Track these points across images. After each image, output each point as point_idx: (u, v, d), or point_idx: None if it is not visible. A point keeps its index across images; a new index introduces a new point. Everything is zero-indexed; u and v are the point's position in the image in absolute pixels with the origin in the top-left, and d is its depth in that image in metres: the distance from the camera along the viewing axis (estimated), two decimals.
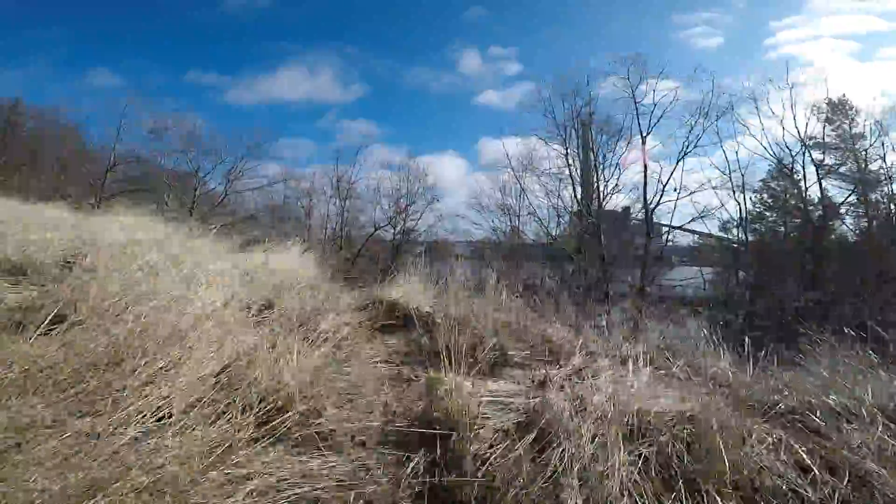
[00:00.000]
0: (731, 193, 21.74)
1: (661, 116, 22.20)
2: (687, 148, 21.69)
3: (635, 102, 22.24)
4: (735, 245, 22.27)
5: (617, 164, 23.09)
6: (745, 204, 22.03)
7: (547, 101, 24.00)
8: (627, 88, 22.37)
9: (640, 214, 23.04)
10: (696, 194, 21.71)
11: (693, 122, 21.54)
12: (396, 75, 39.45)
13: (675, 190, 21.62)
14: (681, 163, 21.68)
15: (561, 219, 28.14)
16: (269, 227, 32.27)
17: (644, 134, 22.33)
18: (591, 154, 24.77)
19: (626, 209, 24.69)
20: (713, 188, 21.56)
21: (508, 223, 28.76)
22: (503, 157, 26.84)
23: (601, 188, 23.53)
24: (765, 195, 22.33)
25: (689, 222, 22.57)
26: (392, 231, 29.88)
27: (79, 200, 17.42)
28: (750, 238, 22.76)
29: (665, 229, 24.87)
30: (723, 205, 21.86)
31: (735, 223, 22.39)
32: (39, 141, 22.12)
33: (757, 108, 21.44)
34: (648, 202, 21.88)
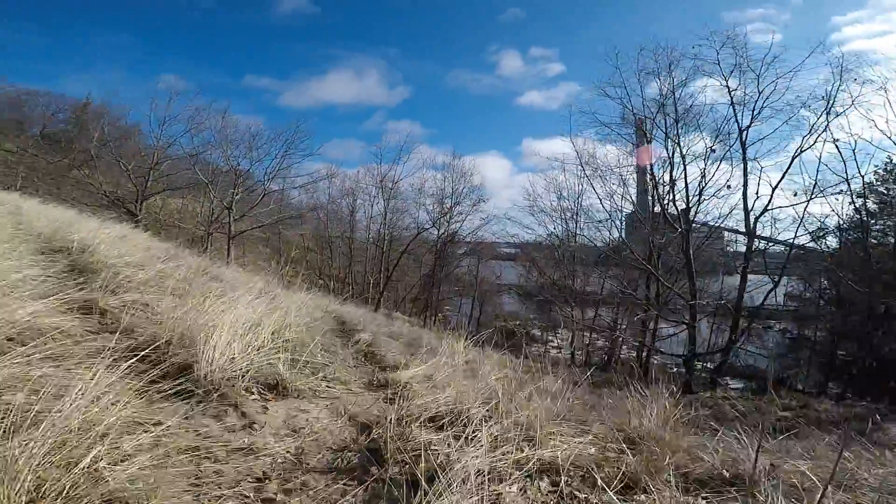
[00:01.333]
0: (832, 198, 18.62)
1: (761, 109, 18.59)
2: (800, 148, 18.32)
3: (729, 91, 18.67)
4: (829, 253, 19.40)
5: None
6: (844, 209, 18.99)
7: (621, 90, 20.52)
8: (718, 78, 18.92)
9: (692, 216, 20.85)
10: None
11: (796, 119, 18.33)
12: (438, 77, 39.49)
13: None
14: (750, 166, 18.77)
15: (617, 222, 26.48)
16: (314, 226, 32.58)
17: (743, 128, 18.87)
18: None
19: (685, 212, 22.02)
20: (820, 194, 18.21)
21: (564, 226, 27.07)
22: (551, 157, 25.25)
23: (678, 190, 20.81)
24: (869, 200, 19.02)
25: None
26: (436, 232, 28.98)
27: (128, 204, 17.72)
28: (836, 246, 20.19)
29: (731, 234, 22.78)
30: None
31: (829, 230, 19.59)
32: (103, 140, 22.87)
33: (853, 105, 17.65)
34: (749, 208, 18.69)
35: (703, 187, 19.70)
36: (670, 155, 20.06)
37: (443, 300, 32.54)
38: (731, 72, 18.65)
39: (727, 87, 18.72)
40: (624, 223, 25.49)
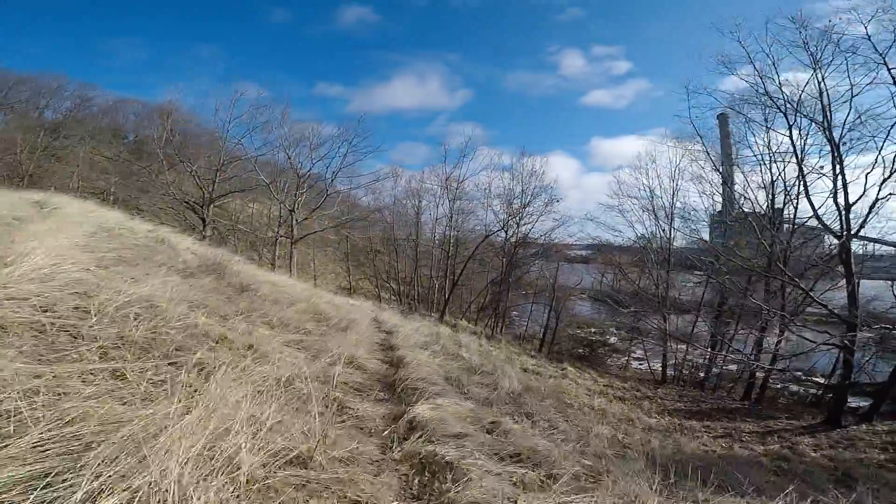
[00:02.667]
0: None
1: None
2: None
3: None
4: None
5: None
6: None
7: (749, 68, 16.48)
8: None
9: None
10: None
11: None
12: (498, 80, 37.91)
13: None
14: None
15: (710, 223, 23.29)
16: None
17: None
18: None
19: (779, 211, 19.65)
20: None
21: (657, 226, 24.09)
22: (619, 156, 22.72)
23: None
24: None
25: None
26: (504, 235, 26.97)
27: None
28: None
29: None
30: None
31: None
32: (185, 143, 23.56)
33: None
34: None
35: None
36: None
37: (510, 307, 30.40)
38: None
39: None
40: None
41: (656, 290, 23.36)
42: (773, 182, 18.39)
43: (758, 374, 17.72)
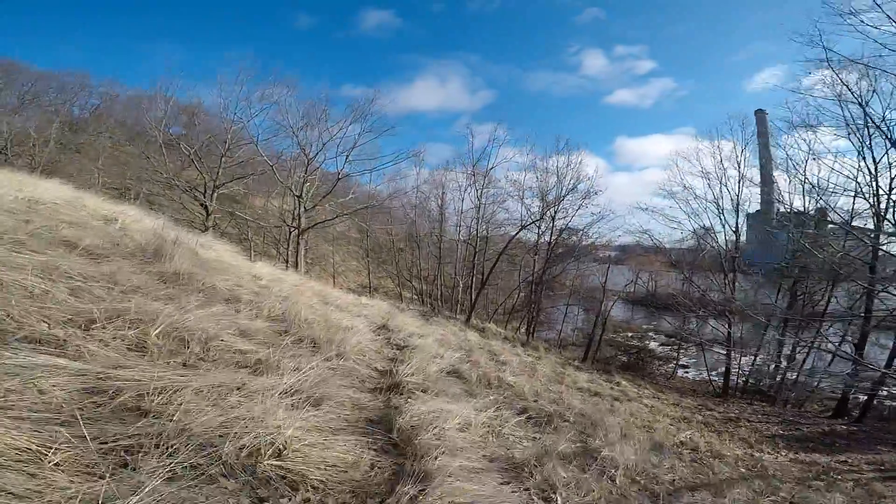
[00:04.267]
0: None
1: None
2: None
3: None
4: None
5: None
6: None
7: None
8: None
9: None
10: None
11: None
12: (519, 80, 35.69)
13: None
14: None
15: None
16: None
17: None
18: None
19: (822, 210, 17.82)
20: None
21: (702, 225, 21.39)
22: (645, 155, 20.43)
23: None
24: None
25: None
26: (537, 230, 24.19)
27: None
28: None
29: None
30: None
31: None
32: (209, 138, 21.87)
33: None
34: None
35: None
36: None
37: (543, 308, 27.67)
38: None
39: None
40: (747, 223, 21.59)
41: (717, 292, 20.38)
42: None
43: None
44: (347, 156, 17.92)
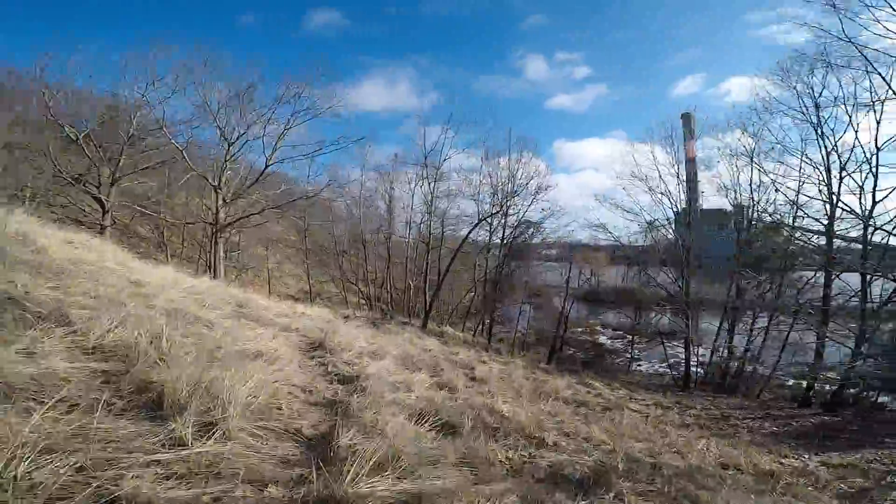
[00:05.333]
0: None
1: None
2: None
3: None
4: None
5: None
6: None
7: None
8: None
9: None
10: None
11: None
12: (467, 84, 34.77)
13: None
14: None
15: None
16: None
17: None
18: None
19: (740, 207, 19.82)
20: None
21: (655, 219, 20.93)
22: (582, 157, 20.56)
23: None
24: None
25: None
26: (489, 229, 22.67)
27: None
28: None
29: None
30: None
31: None
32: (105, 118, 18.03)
33: None
34: None
35: None
36: None
37: (499, 309, 26.32)
38: None
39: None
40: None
41: (673, 286, 19.96)
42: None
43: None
44: (279, 139, 15.11)
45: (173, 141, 13.78)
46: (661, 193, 20.57)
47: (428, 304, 19.80)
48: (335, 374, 3.86)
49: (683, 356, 21.15)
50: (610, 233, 20.80)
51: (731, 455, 5.51)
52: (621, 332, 34.57)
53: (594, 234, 22.49)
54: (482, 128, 42.40)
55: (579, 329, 35.52)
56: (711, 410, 11.92)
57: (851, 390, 14.20)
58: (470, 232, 20.98)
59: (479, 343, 17.49)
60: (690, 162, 22.41)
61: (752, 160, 17.75)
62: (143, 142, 15.62)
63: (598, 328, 35.44)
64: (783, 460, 6.27)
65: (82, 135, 14.14)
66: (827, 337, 14.15)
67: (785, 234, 17.57)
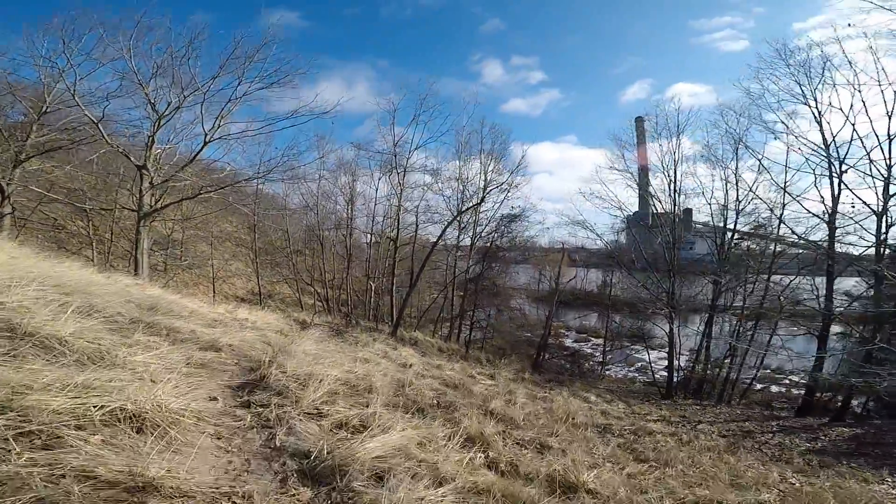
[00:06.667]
0: None
1: None
2: None
3: None
4: None
5: None
6: None
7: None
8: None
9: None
10: None
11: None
12: (426, 86, 33.84)
13: None
14: None
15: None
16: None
17: None
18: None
19: (689, 211, 21.13)
20: None
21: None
22: (536, 161, 20.63)
23: None
24: None
25: None
26: (458, 226, 20.98)
27: None
28: None
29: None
30: None
31: None
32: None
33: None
34: None
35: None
36: None
37: (467, 311, 24.68)
38: None
39: None
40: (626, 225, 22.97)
41: (656, 289, 19.11)
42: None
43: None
44: (221, 116, 12.30)
45: (86, 111, 10.82)
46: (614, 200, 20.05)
47: (398, 307, 17.78)
48: (291, 455, 1.95)
49: (653, 360, 20.86)
50: (590, 229, 19.69)
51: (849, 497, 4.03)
52: (585, 335, 34.20)
53: (572, 231, 21.37)
54: (451, 119, 40.69)
55: (541, 332, 34.76)
56: (721, 424, 10.75)
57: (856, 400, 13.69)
58: (447, 227, 19.11)
59: (455, 351, 15.71)
60: (643, 167, 22.63)
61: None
62: (50, 117, 12.59)
63: (563, 331, 34.82)
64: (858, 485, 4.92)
65: None
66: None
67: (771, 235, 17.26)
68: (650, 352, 21.04)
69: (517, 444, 3.36)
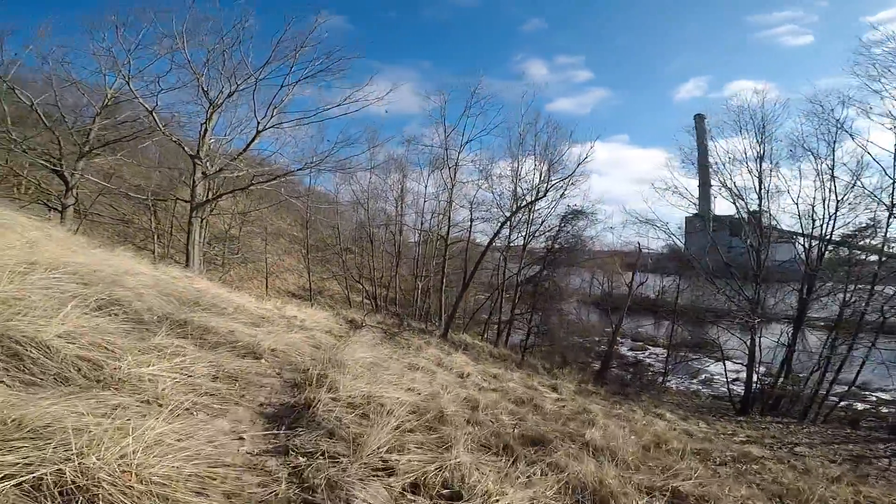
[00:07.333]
0: None
1: None
2: None
3: None
4: None
5: None
6: None
7: None
8: None
9: None
10: None
11: None
12: (469, 87, 33.20)
13: None
14: None
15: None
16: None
17: None
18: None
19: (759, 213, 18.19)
20: None
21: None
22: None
23: None
24: None
25: None
26: (509, 226, 19.55)
27: None
28: None
29: None
30: None
31: None
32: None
33: None
34: None
35: None
36: None
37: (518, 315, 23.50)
38: None
39: None
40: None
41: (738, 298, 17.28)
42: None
43: None
44: (272, 107, 12.02)
45: (140, 100, 10.84)
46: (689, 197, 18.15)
47: (449, 309, 17.01)
48: None
49: (719, 372, 18.82)
50: (662, 229, 18.15)
51: None
52: (641, 343, 32.18)
53: (642, 231, 19.65)
54: (504, 112, 39.51)
55: (596, 338, 32.98)
56: (821, 447, 9.17)
57: None
58: (504, 224, 18.01)
59: (506, 356, 14.75)
60: (703, 165, 20.93)
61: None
62: (112, 113, 12.85)
63: (618, 338, 33.01)
64: None
65: (37, 99, 11.42)
66: None
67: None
68: (724, 364, 19.11)
69: (640, 490, 2.45)
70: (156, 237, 20.93)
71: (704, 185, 21.13)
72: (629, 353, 29.38)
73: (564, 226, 19.36)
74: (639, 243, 19.82)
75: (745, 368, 17.81)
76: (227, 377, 2.46)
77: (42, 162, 12.40)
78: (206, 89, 11.15)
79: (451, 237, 20.24)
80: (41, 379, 1.64)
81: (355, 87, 12.05)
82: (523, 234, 20.56)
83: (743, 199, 17.12)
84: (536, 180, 19.00)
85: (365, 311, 16.38)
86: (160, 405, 1.83)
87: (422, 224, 23.19)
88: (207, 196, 11.68)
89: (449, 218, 19.42)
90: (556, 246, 19.59)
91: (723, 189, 17.64)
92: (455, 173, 18.79)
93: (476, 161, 19.67)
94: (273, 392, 2.54)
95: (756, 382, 17.22)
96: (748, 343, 16.52)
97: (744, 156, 16.92)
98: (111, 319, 2.54)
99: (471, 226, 19.65)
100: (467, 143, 18.97)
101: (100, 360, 1.93)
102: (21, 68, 12.94)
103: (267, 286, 24.18)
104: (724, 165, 17.28)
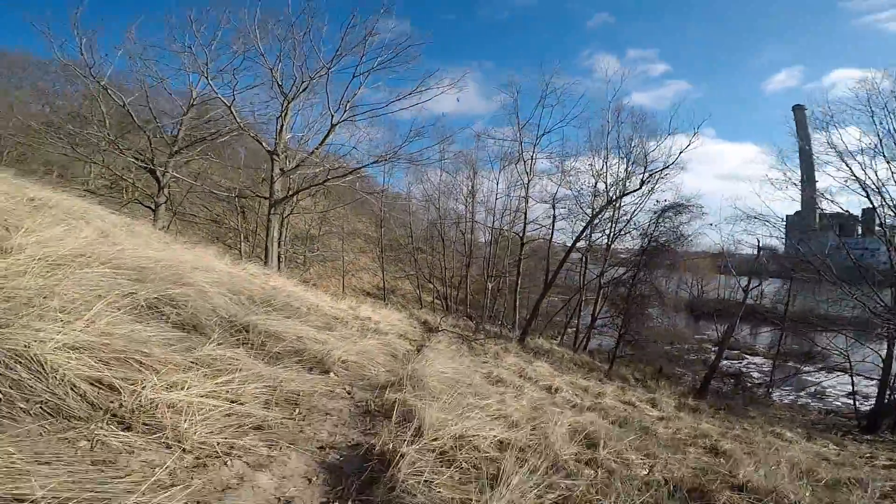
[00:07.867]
0: None
1: None
2: None
3: None
4: None
5: None
6: None
7: None
8: None
9: None
10: None
11: None
12: (535, 85, 31.96)
13: None
14: None
15: None
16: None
17: None
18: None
19: (870, 210, 16.16)
20: None
21: None
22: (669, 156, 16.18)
23: None
24: None
25: None
26: (589, 227, 17.72)
27: None
28: None
29: None
30: None
31: None
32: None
33: None
34: None
35: None
36: None
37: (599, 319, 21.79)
38: None
39: None
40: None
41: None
42: None
43: None
44: (345, 101, 11.92)
45: (219, 95, 11.27)
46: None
47: (528, 312, 16.05)
48: None
49: (831, 385, 17.32)
50: (773, 225, 16.00)
51: None
52: (737, 352, 29.06)
53: (749, 229, 17.35)
54: (582, 103, 37.30)
55: (686, 345, 30.23)
56: None
57: None
58: (593, 219, 16.59)
59: (587, 364, 13.55)
60: (804, 159, 19.54)
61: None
62: (197, 111, 13.58)
63: (709, 346, 30.07)
64: None
65: (127, 101, 12.28)
66: None
67: None
68: (850, 376, 16.44)
69: None
70: (242, 236, 22.15)
71: (807, 182, 19.09)
72: (725, 363, 26.57)
73: (663, 222, 17.39)
74: (759, 240, 17.43)
75: (865, 381, 15.82)
76: (284, 401, 1.94)
77: (136, 161, 13.31)
78: (279, 82, 11.34)
79: (525, 236, 19.24)
80: (21, 408, 1.17)
81: (425, 77, 11.69)
82: (607, 231, 19.05)
83: (881, 195, 14.46)
84: (621, 174, 17.42)
85: (437, 312, 15.94)
86: (184, 450, 1.30)
87: (493, 222, 22.38)
88: (286, 193, 11.85)
89: (525, 214, 18.39)
90: (652, 244, 17.58)
91: (850, 182, 15.05)
92: (531, 167, 17.72)
93: (551, 157, 18.47)
94: (340, 423, 1.98)
95: (888, 396, 14.55)
96: (882, 354, 13.93)
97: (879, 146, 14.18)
98: (154, 324, 2.11)
99: (553, 222, 18.35)
100: (544, 134, 17.82)
101: (117, 381, 1.46)
102: (111, 70, 14.00)
103: (343, 284, 24.73)
104: (851, 156, 14.63)
